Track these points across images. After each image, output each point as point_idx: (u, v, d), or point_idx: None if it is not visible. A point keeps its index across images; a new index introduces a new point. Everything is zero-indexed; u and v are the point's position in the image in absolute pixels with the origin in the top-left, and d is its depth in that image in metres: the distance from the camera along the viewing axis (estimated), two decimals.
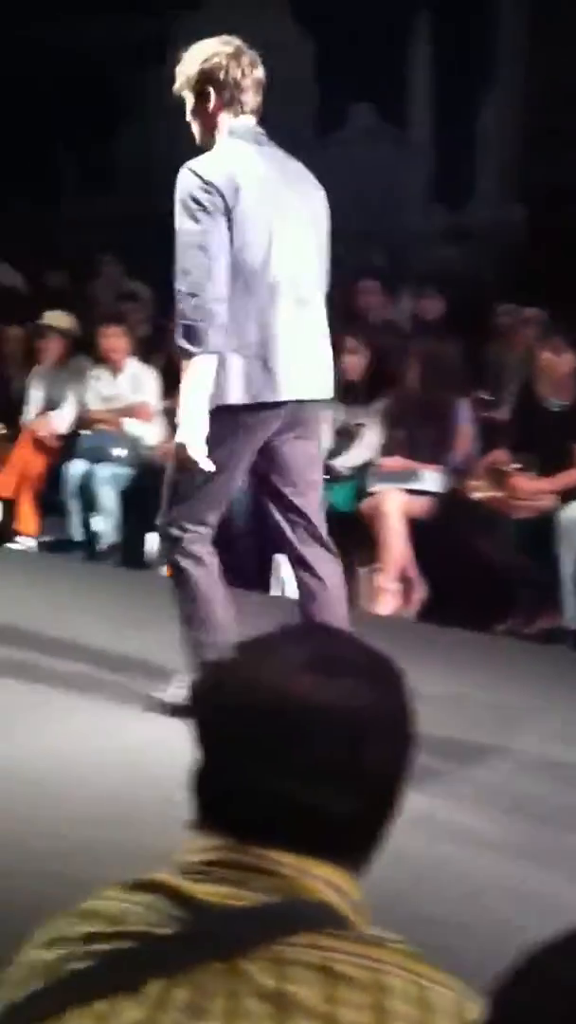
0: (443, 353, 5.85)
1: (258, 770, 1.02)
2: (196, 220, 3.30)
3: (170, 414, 6.61)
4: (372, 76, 15.03)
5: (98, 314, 7.54)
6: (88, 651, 4.45)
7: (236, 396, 3.34)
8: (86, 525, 6.39)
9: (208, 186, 3.30)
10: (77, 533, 6.41)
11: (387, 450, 5.77)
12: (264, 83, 3.50)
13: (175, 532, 3.54)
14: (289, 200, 3.45)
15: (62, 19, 13.01)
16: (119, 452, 6.39)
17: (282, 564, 5.87)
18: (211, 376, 3.30)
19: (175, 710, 3.49)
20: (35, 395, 6.85)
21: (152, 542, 6.15)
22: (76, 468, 6.39)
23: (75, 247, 11.10)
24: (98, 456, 6.39)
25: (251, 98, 3.47)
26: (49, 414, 6.73)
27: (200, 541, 3.55)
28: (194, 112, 3.51)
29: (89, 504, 6.34)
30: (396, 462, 5.66)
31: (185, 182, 3.33)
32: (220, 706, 1.06)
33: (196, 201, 3.30)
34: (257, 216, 3.34)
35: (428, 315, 7.64)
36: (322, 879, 1.02)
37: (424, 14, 15.90)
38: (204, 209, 3.29)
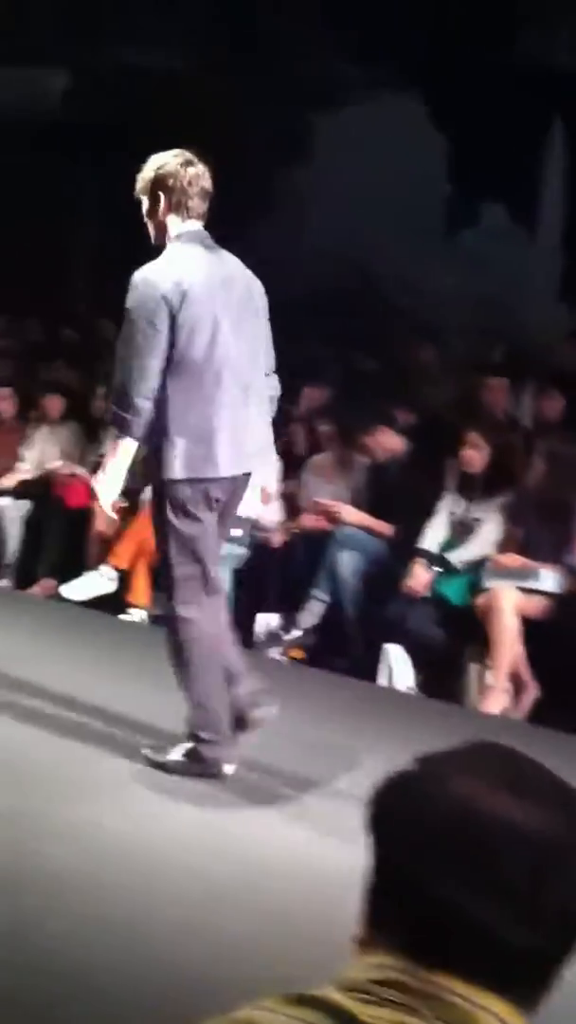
0: (567, 453, 5.81)
1: (435, 884, 0.98)
2: (140, 326, 3.77)
3: (289, 499, 6.70)
4: (504, 176, 15.20)
5: None
6: None
7: (178, 473, 3.82)
8: None
9: (157, 298, 3.75)
10: None
11: (504, 546, 5.72)
12: (210, 192, 3.93)
13: (177, 613, 3.94)
14: (230, 297, 3.90)
15: None
16: (236, 531, 6.45)
17: (391, 652, 5.86)
18: (130, 456, 3.89)
19: (161, 766, 3.94)
20: None
21: (263, 623, 6.17)
22: None
23: None
24: None
25: (197, 204, 3.90)
26: None
27: (199, 612, 3.93)
28: (148, 214, 3.95)
29: None
30: (513, 559, 5.60)
31: (137, 291, 3.80)
32: (403, 815, 1.03)
33: (144, 310, 3.77)
34: (201, 316, 3.78)
35: (550, 414, 7.60)
36: (492, 1012, 0.98)
37: (559, 119, 16.09)
38: (149, 319, 3.76)
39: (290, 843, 3.69)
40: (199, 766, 3.94)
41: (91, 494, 7.18)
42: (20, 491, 7.41)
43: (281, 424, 7.10)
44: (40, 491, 7.38)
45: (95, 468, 7.43)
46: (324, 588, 5.97)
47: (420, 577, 5.78)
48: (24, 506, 7.33)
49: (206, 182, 3.93)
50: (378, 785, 1.04)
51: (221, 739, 3.93)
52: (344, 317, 10.25)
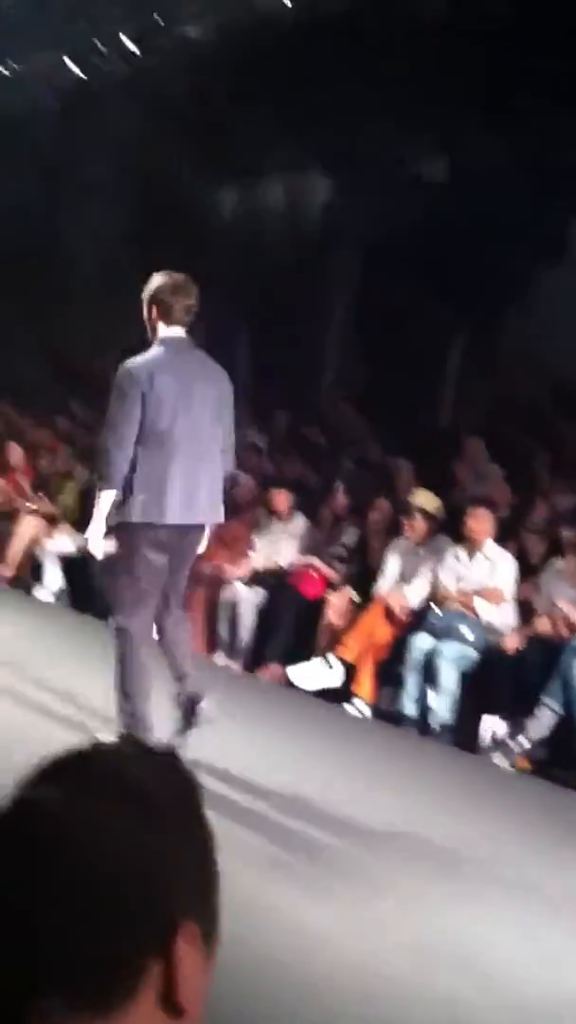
0: None
1: None
2: (118, 401, 4.82)
3: (524, 603, 6.55)
4: None
5: (461, 494, 7.64)
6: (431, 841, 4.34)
7: (135, 516, 4.84)
8: (422, 700, 6.36)
9: (132, 378, 4.81)
10: (411, 707, 6.39)
11: None
12: (194, 306, 4.95)
13: (117, 624, 4.95)
14: (194, 386, 4.91)
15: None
16: (467, 632, 6.36)
17: (488, 723, 5.74)
18: (110, 502, 4.86)
19: None
20: (392, 567, 7.00)
21: (489, 726, 6.02)
22: (421, 642, 6.42)
23: (440, 425, 11.40)
24: (445, 634, 6.39)
25: (180, 315, 4.95)
26: (403, 587, 6.85)
27: (135, 624, 4.92)
28: (146, 319, 4.98)
29: (429, 680, 6.32)
30: None
31: (120, 373, 4.86)
32: None
33: (121, 388, 4.83)
34: (165, 398, 4.81)
35: None
36: None
37: None
38: (124, 395, 4.80)
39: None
40: None
41: (325, 585, 7.39)
42: (254, 579, 7.60)
43: (514, 530, 7.03)
44: (274, 579, 7.54)
45: (330, 560, 7.61)
46: (556, 697, 5.77)
47: None
48: (259, 593, 7.51)
49: (190, 300, 4.95)
50: None
51: (138, 722, 4.81)
52: None
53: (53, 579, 9.05)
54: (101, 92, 12.27)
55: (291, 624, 7.28)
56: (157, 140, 11.50)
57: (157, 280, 4.99)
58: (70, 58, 12.47)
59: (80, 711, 5.51)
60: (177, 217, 12.02)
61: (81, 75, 12.65)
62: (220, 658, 7.45)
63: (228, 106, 11.06)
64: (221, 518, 5.15)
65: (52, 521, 9.39)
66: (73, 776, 0.95)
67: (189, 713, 5.02)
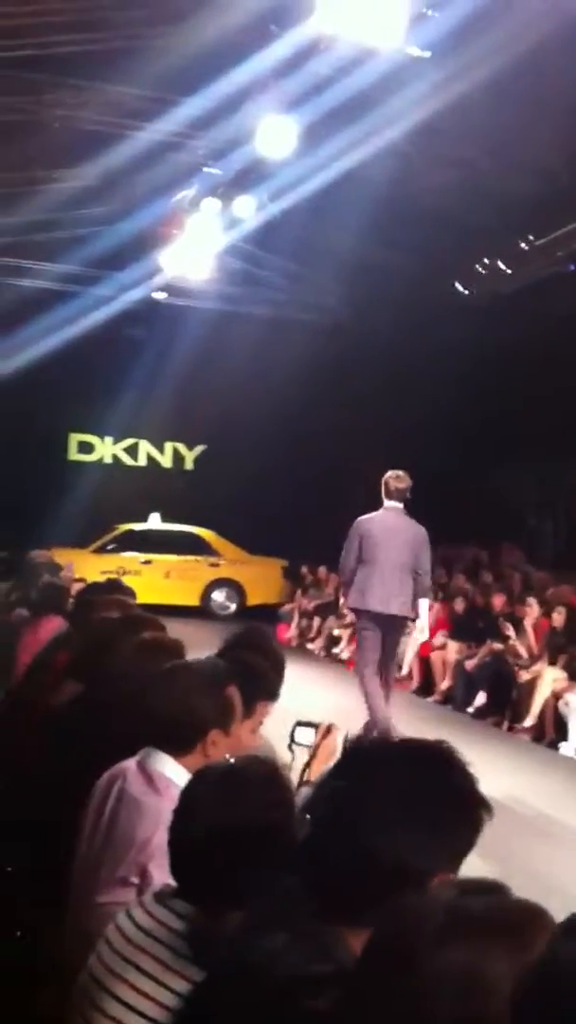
0: None
1: None
2: (347, 542, 8.67)
3: None
4: None
5: None
6: None
7: (352, 604, 8.73)
8: None
9: (355, 530, 8.64)
10: None
11: None
12: (404, 489, 8.65)
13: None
14: (392, 534, 8.53)
15: None
16: None
17: None
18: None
19: None
20: None
21: None
22: None
23: None
24: None
25: (395, 494, 8.62)
26: None
27: (367, 669, 8.47)
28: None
29: None
30: None
31: (352, 527, 8.72)
32: None
33: (351, 535, 8.67)
34: (371, 540, 8.54)
35: None
36: None
37: None
38: (351, 539, 8.64)
39: None
40: None
41: None
42: None
43: None
44: None
45: None
46: None
47: None
48: None
49: (402, 484, 8.64)
50: None
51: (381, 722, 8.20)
52: None
53: None
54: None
55: None
56: None
57: (394, 473, 8.69)
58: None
59: None
60: None
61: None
62: None
63: None
64: (406, 612, 8.58)
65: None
66: None
67: None
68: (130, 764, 2.88)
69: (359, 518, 8.61)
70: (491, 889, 1.17)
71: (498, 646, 10.95)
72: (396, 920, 1.10)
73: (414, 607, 8.46)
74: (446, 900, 1.10)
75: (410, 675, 12.31)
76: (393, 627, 8.46)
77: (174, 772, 2.78)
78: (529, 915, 1.12)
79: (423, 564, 8.41)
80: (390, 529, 8.44)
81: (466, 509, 16.79)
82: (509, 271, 13.97)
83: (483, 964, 1.05)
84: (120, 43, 10.49)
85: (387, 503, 8.55)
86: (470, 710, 10.77)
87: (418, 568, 8.37)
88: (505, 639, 10.92)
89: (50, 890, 2.97)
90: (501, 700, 10.46)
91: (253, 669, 3.45)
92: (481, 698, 10.72)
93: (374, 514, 8.60)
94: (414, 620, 8.67)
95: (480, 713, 10.69)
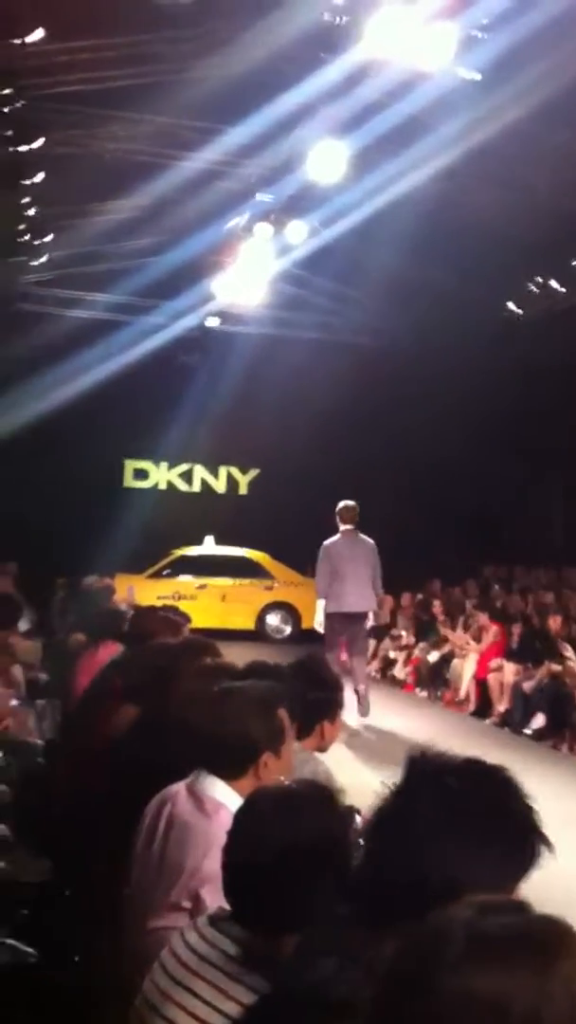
0: None
1: None
2: (320, 563, 10.98)
3: None
4: None
5: None
6: None
7: (330, 609, 10.84)
8: None
9: (324, 551, 10.92)
10: None
11: None
12: (354, 513, 10.94)
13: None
14: (354, 551, 10.81)
15: None
16: None
17: None
18: (323, 608, 10.91)
19: None
20: None
21: None
22: None
23: None
24: None
25: (347, 518, 10.92)
26: None
27: (330, 655, 10.24)
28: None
29: None
30: None
31: (322, 548, 11.04)
32: None
33: (321, 555, 10.95)
34: (340, 558, 10.79)
35: None
36: None
37: None
38: (321, 560, 10.93)
39: None
40: None
41: None
42: None
43: None
44: None
45: None
46: None
47: None
48: None
49: (352, 512, 10.85)
50: None
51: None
52: None
53: None
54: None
55: None
56: None
57: (339, 505, 10.87)
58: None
59: None
60: None
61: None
62: None
63: None
64: (371, 606, 10.99)
65: None
66: None
67: None
68: (179, 787, 2.90)
69: (325, 542, 10.88)
70: (513, 908, 1.14)
71: (556, 667, 10.84)
72: (414, 945, 1.07)
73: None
74: (465, 920, 1.07)
75: (467, 697, 12.22)
76: (360, 619, 10.92)
77: (225, 795, 2.79)
78: (555, 932, 1.08)
79: (376, 570, 10.79)
80: (353, 546, 10.77)
81: (526, 530, 16.67)
82: (563, 290, 13.89)
83: (510, 989, 1.02)
84: (171, 76, 10.64)
85: (343, 527, 10.87)
86: (528, 732, 10.67)
87: (373, 573, 10.79)
88: (563, 660, 10.80)
89: (107, 914, 2.98)
90: (559, 722, 10.34)
91: (312, 695, 3.44)
92: (539, 720, 10.61)
93: (336, 537, 10.87)
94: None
95: (538, 735, 10.56)
